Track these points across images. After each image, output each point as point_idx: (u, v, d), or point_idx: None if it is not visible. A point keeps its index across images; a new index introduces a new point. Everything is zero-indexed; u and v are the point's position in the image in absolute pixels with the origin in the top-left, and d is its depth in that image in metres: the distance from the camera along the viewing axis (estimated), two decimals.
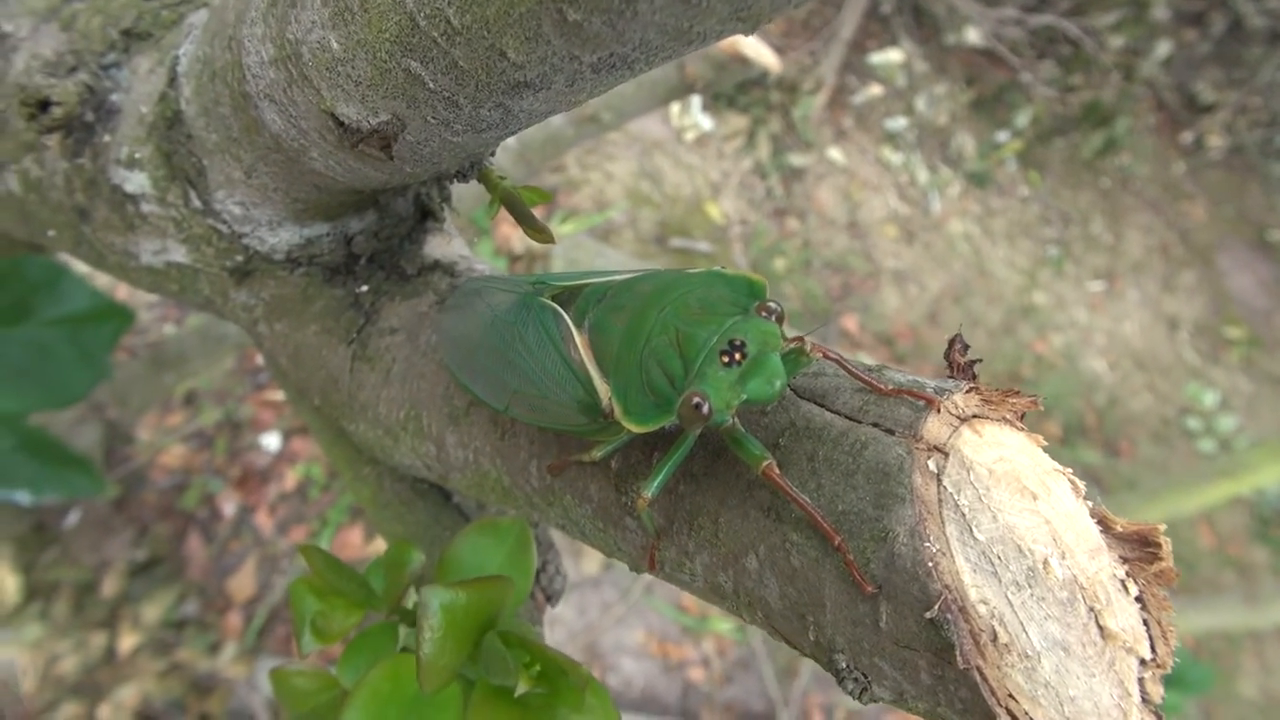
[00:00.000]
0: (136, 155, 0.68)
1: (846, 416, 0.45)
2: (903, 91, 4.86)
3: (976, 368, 0.49)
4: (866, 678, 0.43)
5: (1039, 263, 4.75)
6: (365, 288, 0.71)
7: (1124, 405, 4.37)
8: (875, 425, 0.44)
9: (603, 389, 0.46)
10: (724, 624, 3.28)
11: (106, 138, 0.70)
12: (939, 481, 0.42)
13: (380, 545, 3.10)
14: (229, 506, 3.12)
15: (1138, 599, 0.45)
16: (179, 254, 0.71)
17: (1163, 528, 0.46)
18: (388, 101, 0.49)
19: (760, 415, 0.47)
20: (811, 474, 0.44)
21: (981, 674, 0.39)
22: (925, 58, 4.90)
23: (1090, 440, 4.05)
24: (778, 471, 0.42)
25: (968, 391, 0.46)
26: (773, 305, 0.44)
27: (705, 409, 0.41)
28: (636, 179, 4.39)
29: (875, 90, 4.78)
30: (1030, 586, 0.42)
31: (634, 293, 0.47)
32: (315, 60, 0.50)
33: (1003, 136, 4.90)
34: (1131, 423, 4.36)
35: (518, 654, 0.56)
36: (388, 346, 0.68)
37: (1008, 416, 0.46)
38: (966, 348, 0.49)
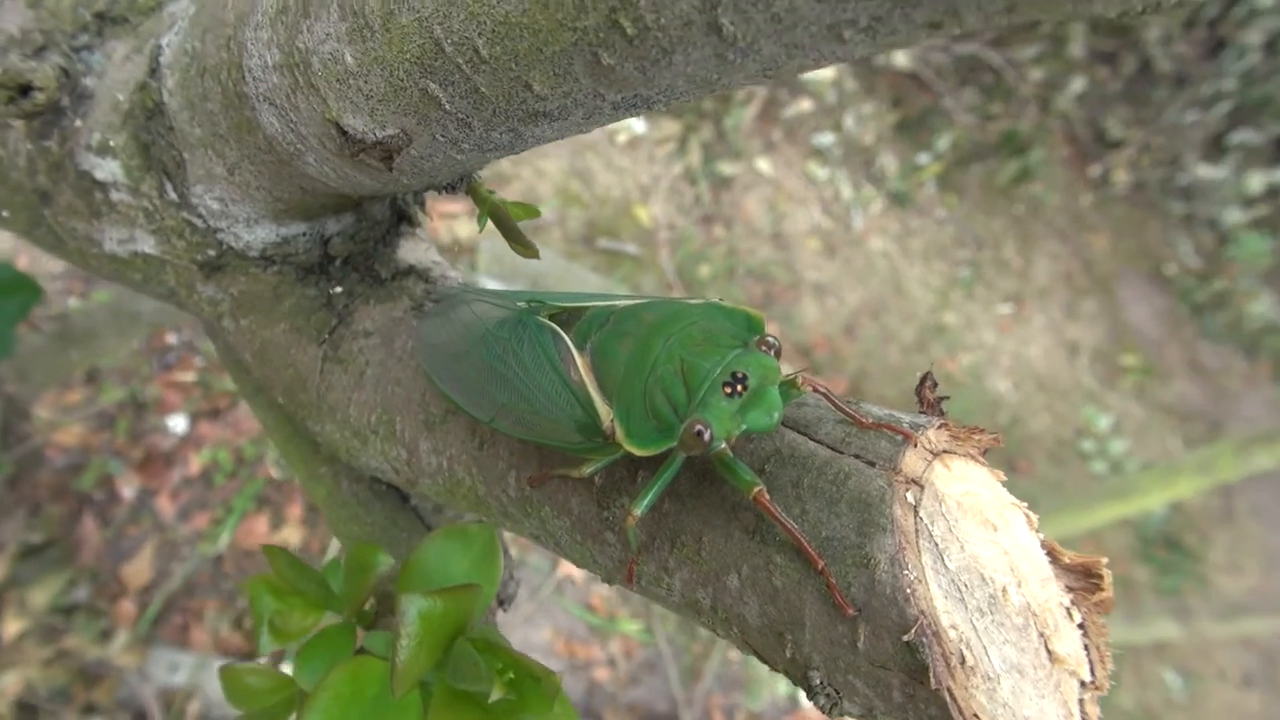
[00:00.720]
0: (110, 143, 0.67)
1: (829, 447, 0.48)
2: (832, 108, 4.98)
3: (943, 404, 0.53)
4: (839, 694, 0.46)
5: (952, 283, 4.92)
6: (339, 289, 0.71)
7: (1025, 425, 4.56)
8: (857, 457, 0.47)
9: (604, 411, 0.48)
10: (631, 625, 3.31)
11: (78, 122, 0.68)
12: (916, 513, 0.45)
13: (287, 536, 3.04)
14: (128, 489, 3.01)
15: (1080, 626, 0.49)
16: (147, 245, 0.70)
17: (1105, 561, 0.51)
18: (398, 117, 0.50)
19: (746, 441, 0.49)
20: (796, 500, 0.47)
21: (951, 694, 0.42)
22: (855, 76, 5.02)
23: (993, 458, 4.20)
24: (768, 497, 0.45)
25: (939, 427, 0.49)
26: (771, 340, 0.46)
27: (707, 436, 0.43)
28: (567, 177, 4.40)
29: (805, 105, 4.88)
30: (991, 613, 0.46)
31: (639, 320, 0.49)
32: (326, 71, 0.50)
33: (924, 159, 5.06)
34: (1031, 442, 4.56)
35: (490, 660, 0.57)
36: (361, 349, 0.68)
37: (972, 452, 0.50)
38: (935, 385, 0.53)
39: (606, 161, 4.47)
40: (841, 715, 0.47)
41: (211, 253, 0.69)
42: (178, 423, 3.20)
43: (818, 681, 0.46)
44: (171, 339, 3.35)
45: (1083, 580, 0.50)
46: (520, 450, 0.58)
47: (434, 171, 0.56)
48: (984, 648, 0.44)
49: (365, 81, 0.49)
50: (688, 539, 0.50)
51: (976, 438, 0.49)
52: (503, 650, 0.57)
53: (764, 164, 4.78)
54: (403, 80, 0.48)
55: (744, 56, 0.36)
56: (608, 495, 0.54)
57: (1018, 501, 0.50)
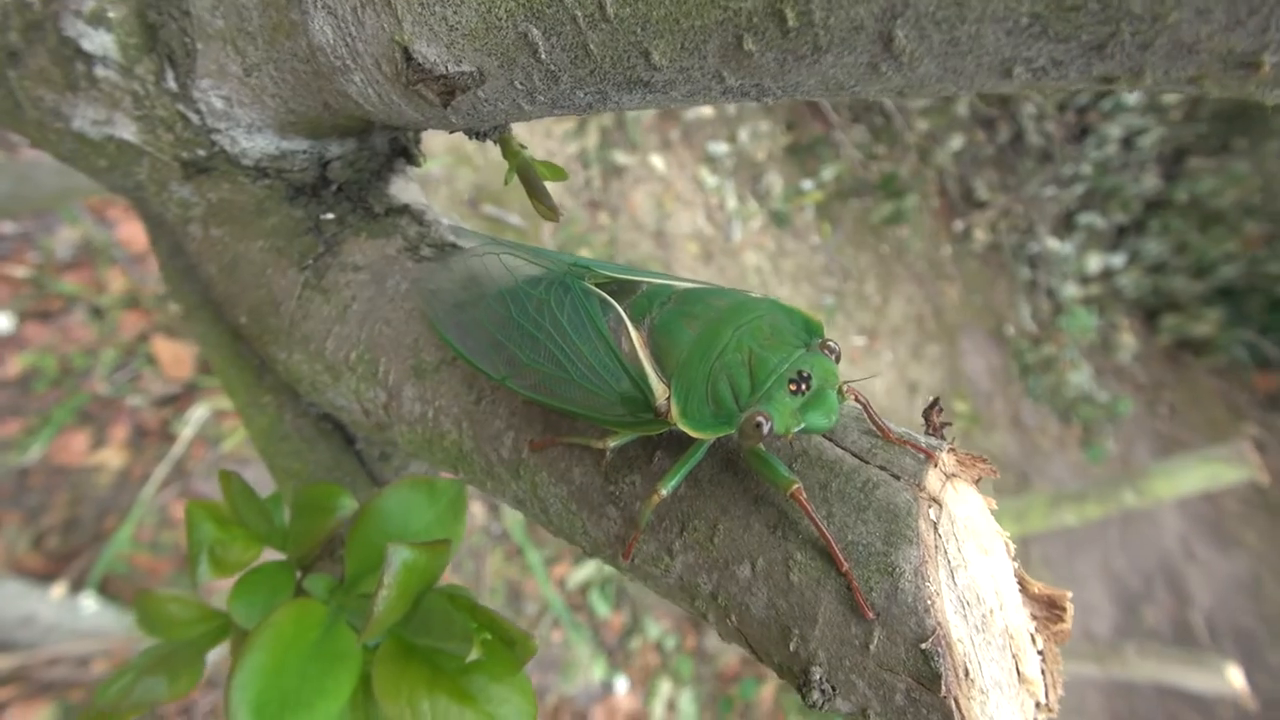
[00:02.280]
0: (108, 14, 0.62)
1: (855, 455, 0.50)
2: (730, 119, 5.07)
3: (946, 430, 0.55)
4: (835, 691, 0.48)
5: (815, 309, 5.11)
6: (330, 216, 0.68)
7: None
8: (883, 468, 0.49)
9: (659, 388, 0.48)
10: None
11: None
12: (936, 530, 0.47)
13: (108, 458, 2.85)
14: None
15: (1039, 652, 0.53)
16: (127, 131, 0.65)
17: (1069, 594, 0.55)
18: (480, 55, 0.49)
19: (773, 439, 0.50)
20: (824, 502, 0.48)
21: (958, 703, 0.45)
22: None
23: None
24: (805, 495, 0.46)
25: (948, 451, 0.52)
26: (833, 345, 0.48)
27: (766, 429, 0.44)
28: (461, 137, 4.30)
29: (706, 111, 4.95)
30: (983, 631, 0.49)
31: (707, 305, 0.49)
32: None
33: (808, 185, 5.23)
34: None
35: (464, 618, 0.56)
36: (348, 283, 0.65)
37: (973, 478, 0.53)
38: (941, 410, 0.55)
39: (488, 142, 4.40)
40: (831, 710, 0.49)
41: (201, 152, 0.65)
42: (1, 320, 2.94)
43: (818, 677, 0.47)
44: (6, 228, 3.07)
45: (1047, 610, 0.54)
46: (524, 412, 0.57)
47: (489, 118, 0.54)
48: (979, 663, 0.47)
49: (455, 11, 0.47)
50: (700, 524, 0.51)
51: (980, 466, 0.52)
52: (481, 610, 0.56)
53: (658, 160, 4.82)
54: (501, 19, 0.46)
55: (897, 72, 0.38)
56: (617, 471, 0.54)
57: (1001, 530, 0.53)
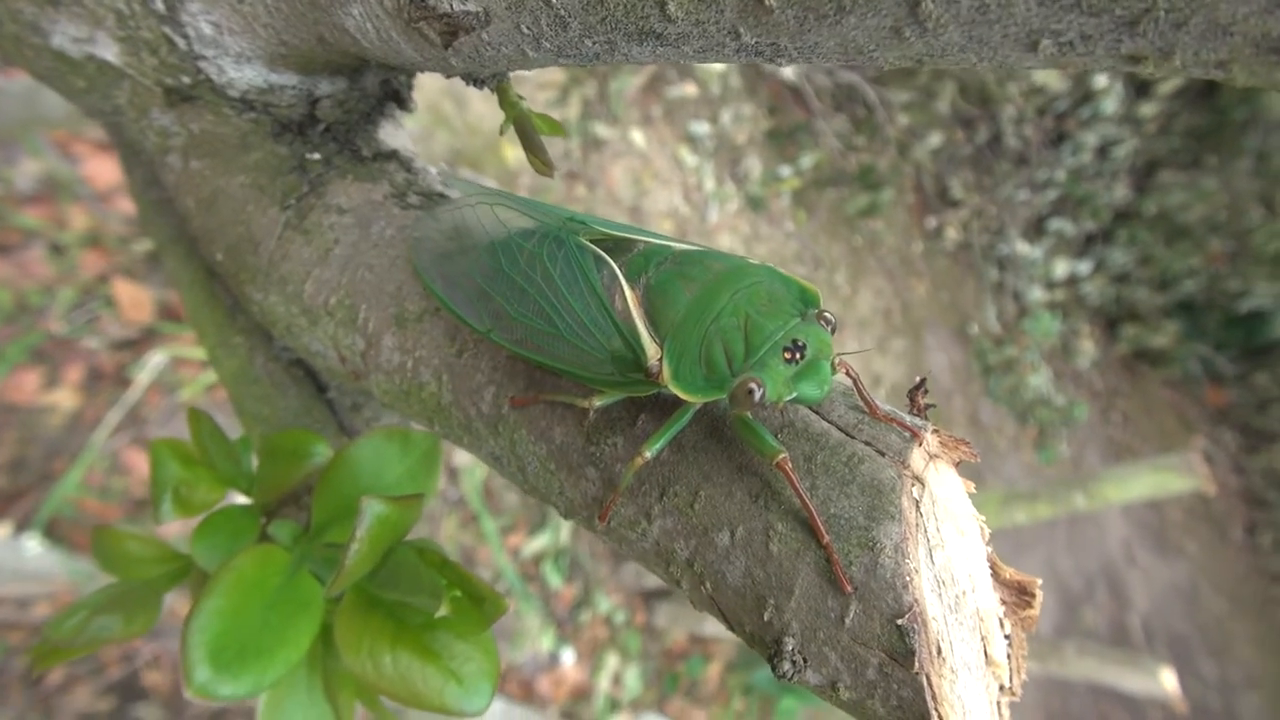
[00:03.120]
0: None
1: (840, 429, 0.50)
2: (714, 100, 5.05)
3: (929, 411, 0.55)
4: (806, 663, 0.47)
5: None
6: (316, 156, 0.66)
7: None
8: (868, 444, 0.49)
9: (651, 348, 0.47)
10: None
11: None
12: (918, 508, 0.47)
13: (61, 399, 2.79)
14: None
15: (1006, 637, 0.53)
16: (108, 51, 0.62)
17: (1039, 581, 0.55)
18: None
19: (759, 409, 0.50)
20: (808, 474, 0.48)
21: (929, 680, 0.45)
22: (742, 75, 5.11)
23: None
24: (790, 466, 0.46)
25: (932, 432, 0.52)
26: (829, 316, 0.47)
27: (758, 395, 0.44)
28: (440, 96, 4.24)
29: (690, 90, 4.93)
30: (956, 611, 0.49)
31: (704, 268, 0.48)
32: None
33: (786, 171, 5.23)
34: None
35: (433, 573, 0.55)
36: (331, 225, 0.64)
37: (954, 460, 0.53)
38: (927, 392, 0.55)
39: (484, 91, 4.34)
40: (799, 683, 0.49)
41: (185, 80, 0.63)
42: None
43: (790, 648, 0.47)
44: None
45: (1016, 596, 0.54)
46: (507, 367, 0.56)
47: (490, 63, 0.53)
48: (951, 642, 0.47)
49: None
50: (681, 490, 0.50)
51: (962, 449, 0.52)
52: (451, 565, 0.56)
53: (639, 136, 4.79)
54: None
55: (920, 37, 0.37)
56: (599, 431, 0.53)
57: (978, 514, 0.54)
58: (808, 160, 5.24)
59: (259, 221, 0.65)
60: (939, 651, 0.45)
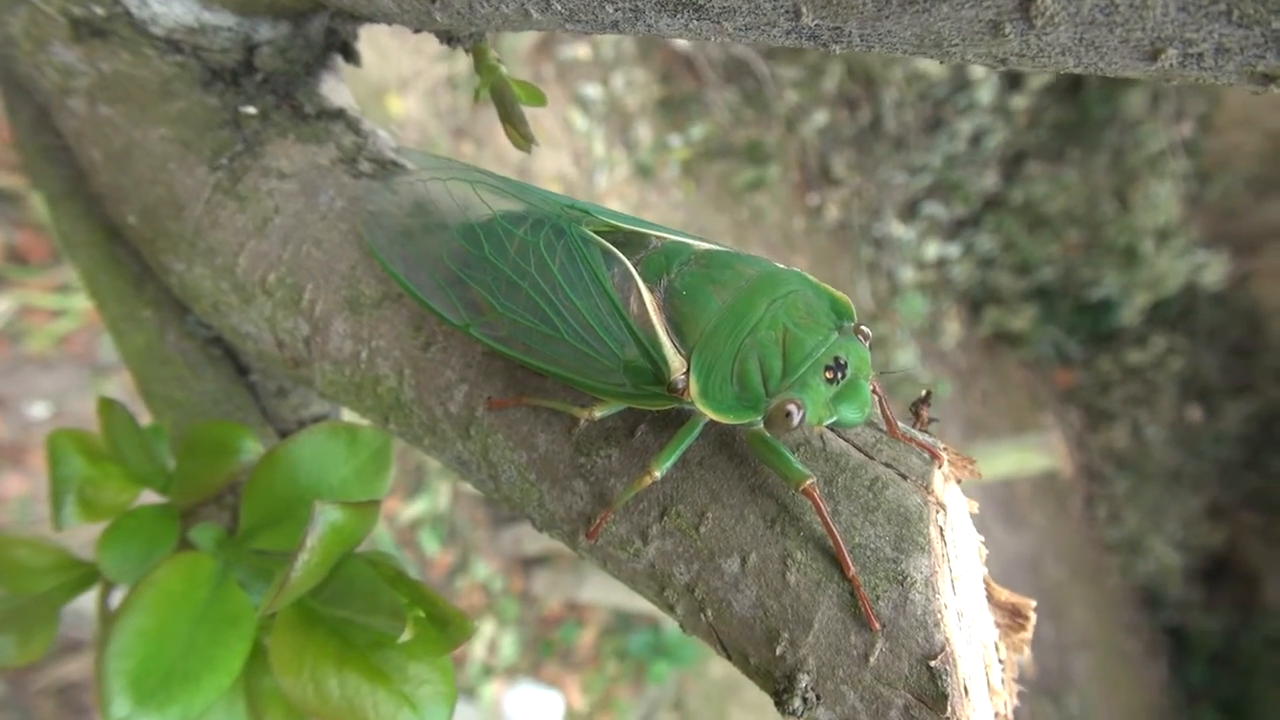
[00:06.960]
0: None
1: (859, 449, 0.46)
2: (607, 64, 4.96)
3: (932, 426, 0.53)
4: (819, 700, 0.44)
5: None
6: (252, 110, 0.58)
7: None
8: (889, 466, 0.46)
9: (675, 360, 0.42)
10: None
11: None
12: (943, 537, 0.44)
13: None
14: None
15: (1000, 661, 0.52)
16: None
17: (1033, 604, 0.54)
18: None
19: (801, 431, 0.46)
20: (829, 498, 0.44)
21: None
22: (636, 42, 5.04)
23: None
24: (819, 493, 0.42)
25: (944, 450, 0.49)
26: (867, 330, 0.44)
27: (798, 419, 0.40)
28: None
29: (583, 53, 4.83)
30: (970, 644, 0.46)
31: (736, 272, 0.43)
32: None
33: (675, 141, 5.20)
34: None
35: (392, 592, 0.49)
36: (271, 191, 0.56)
37: (960, 478, 0.50)
38: (931, 405, 0.52)
39: (372, 38, 4.13)
40: (809, 718, 0.45)
41: (99, 10, 0.53)
42: None
43: (804, 685, 0.44)
44: None
45: (1009, 618, 0.53)
46: (483, 364, 0.51)
47: (483, 20, 0.47)
48: (970, 678, 0.44)
49: None
50: (685, 510, 0.46)
51: (970, 467, 0.50)
52: (412, 583, 0.50)
53: None
54: None
55: (1020, 35, 0.33)
56: (591, 442, 0.48)
57: (978, 535, 0.51)
58: (698, 131, 5.23)
59: (183, 182, 0.56)
60: (966, 692, 0.43)
